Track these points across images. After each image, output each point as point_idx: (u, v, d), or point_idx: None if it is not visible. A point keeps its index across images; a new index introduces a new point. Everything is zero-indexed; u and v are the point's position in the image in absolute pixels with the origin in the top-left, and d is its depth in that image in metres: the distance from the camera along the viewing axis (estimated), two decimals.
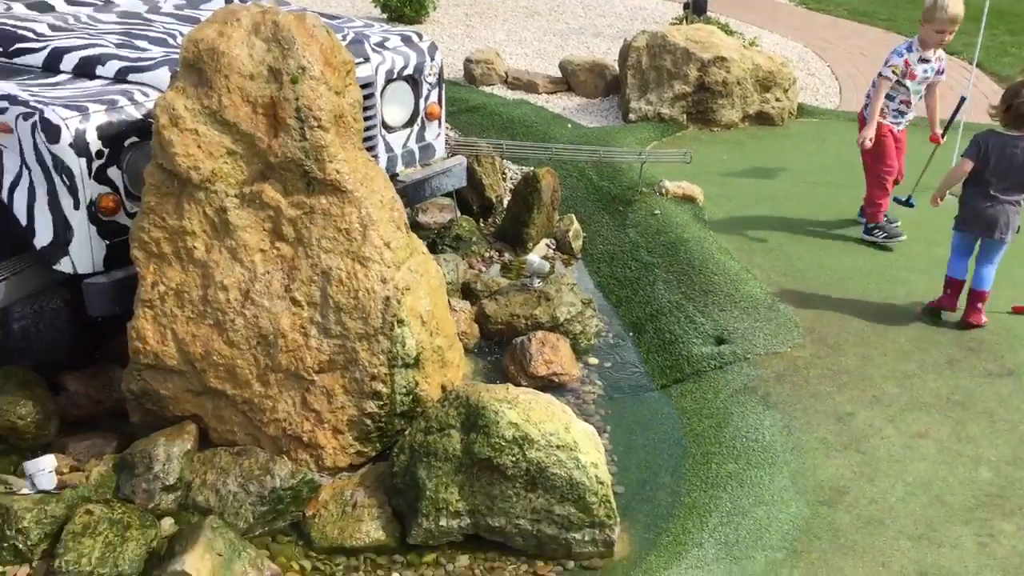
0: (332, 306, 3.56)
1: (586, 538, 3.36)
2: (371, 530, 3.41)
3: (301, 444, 3.61)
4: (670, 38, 7.60)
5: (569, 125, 7.56)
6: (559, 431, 3.38)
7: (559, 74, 8.74)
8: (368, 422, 3.64)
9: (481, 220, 6.10)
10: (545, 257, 5.63)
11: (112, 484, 3.47)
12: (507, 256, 5.74)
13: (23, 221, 3.70)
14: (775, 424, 3.81)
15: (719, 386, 4.16)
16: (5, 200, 3.70)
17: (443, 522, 3.38)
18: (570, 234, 5.86)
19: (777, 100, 7.71)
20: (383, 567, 3.34)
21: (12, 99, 3.67)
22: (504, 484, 3.36)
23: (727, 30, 8.95)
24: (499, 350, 4.70)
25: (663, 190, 6.01)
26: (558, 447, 3.34)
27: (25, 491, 3.39)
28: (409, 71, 4.77)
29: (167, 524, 3.35)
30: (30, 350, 4.00)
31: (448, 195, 5.81)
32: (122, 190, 3.74)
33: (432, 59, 4.90)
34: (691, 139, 7.27)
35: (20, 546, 3.19)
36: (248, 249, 3.54)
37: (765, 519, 3.28)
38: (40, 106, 3.60)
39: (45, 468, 3.40)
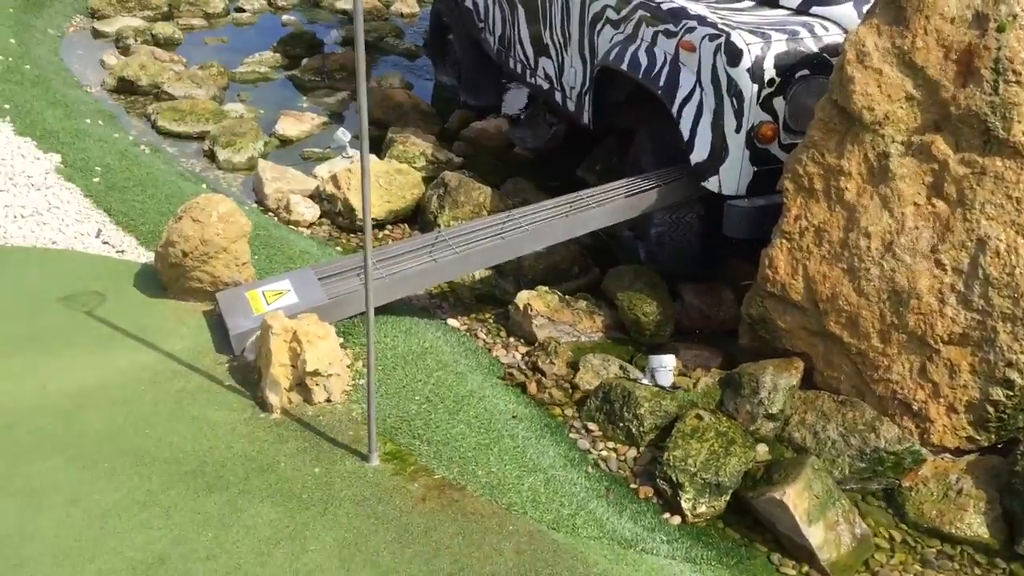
0: (980, 278, 3.27)
1: None
2: (974, 523, 3.14)
3: (909, 412, 3.43)
4: None
5: None
6: None
7: None
8: (989, 409, 3.33)
9: None
10: None
11: (716, 397, 3.63)
12: None
13: (685, 136, 3.95)
14: None
15: None
16: (674, 114, 3.98)
17: None
18: None
19: None
20: (981, 567, 3.07)
21: (701, 20, 3.90)
22: None
23: None
24: None
25: None
26: None
27: (644, 382, 3.70)
28: None
29: (762, 450, 3.43)
30: (660, 256, 4.33)
31: None
32: (781, 121, 3.80)
33: None
34: None
35: (633, 430, 3.50)
36: (902, 200, 3.39)
37: None
38: (727, 30, 3.77)
39: (667, 366, 3.68)
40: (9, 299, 3.80)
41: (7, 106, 5.67)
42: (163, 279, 3.91)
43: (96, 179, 4.88)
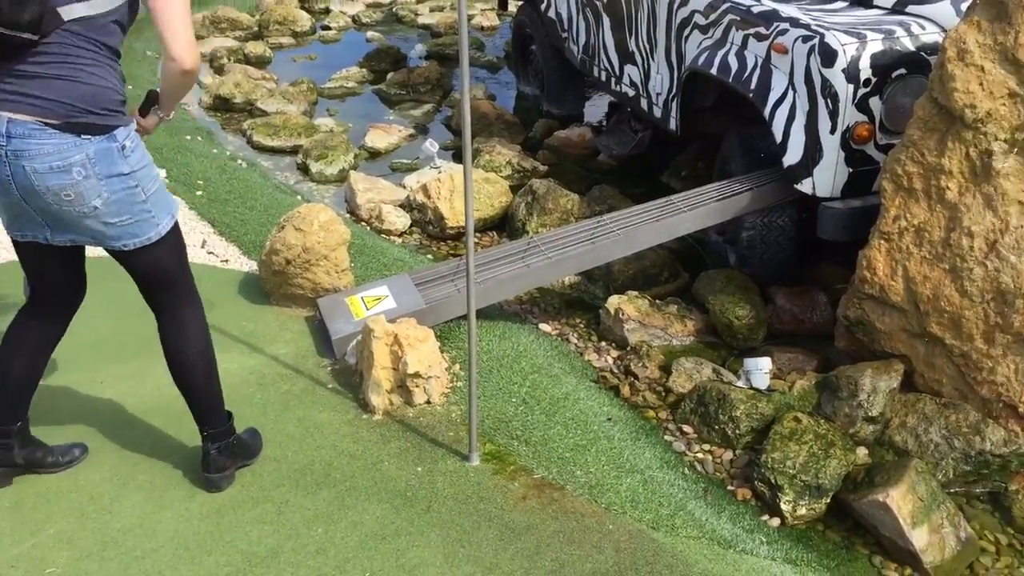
0: None
1: None
2: None
3: (1015, 415, 3.35)
4: None
5: None
6: None
7: None
8: None
9: None
10: None
11: (813, 400, 3.60)
12: None
13: (777, 139, 3.94)
14: None
15: None
16: (766, 117, 3.97)
17: None
18: None
19: None
20: None
21: (794, 22, 3.89)
22: None
23: None
24: None
25: None
26: None
27: (739, 385, 3.69)
28: None
29: (861, 453, 3.39)
30: (751, 259, 4.31)
31: None
32: (877, 121, 3.77)
33: None
34: None
35: (728, 432, 3.49)
36: (1006, 198, 3.32)
37: None
38: (820, 31, 3.75)
39: (762, 368, 3.66)
40: (124, 308, 3.97)
41: None
42: (266, 286, 4.05)
43: (199, 192, 5.07)
